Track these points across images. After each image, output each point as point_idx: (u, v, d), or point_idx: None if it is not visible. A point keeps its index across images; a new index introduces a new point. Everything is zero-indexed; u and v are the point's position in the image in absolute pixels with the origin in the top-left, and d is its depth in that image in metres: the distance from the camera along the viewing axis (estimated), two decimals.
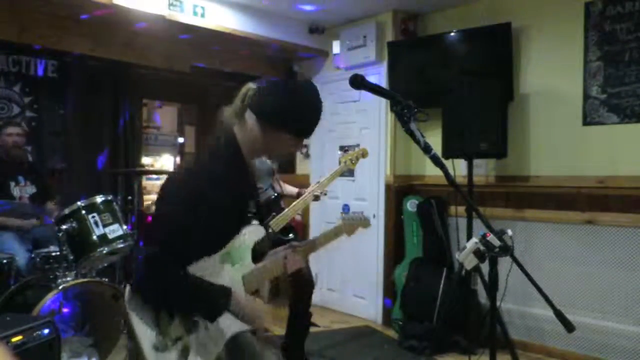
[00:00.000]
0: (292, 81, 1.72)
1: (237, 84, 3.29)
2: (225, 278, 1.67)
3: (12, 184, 3.78)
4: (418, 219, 4.34)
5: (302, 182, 5.02)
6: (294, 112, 1.65)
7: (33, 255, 3.42)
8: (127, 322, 1.57)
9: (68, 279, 3.18)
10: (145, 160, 6.80)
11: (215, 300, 1.59)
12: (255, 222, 1.79)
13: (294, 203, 3.17)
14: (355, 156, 3.29)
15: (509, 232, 1.75)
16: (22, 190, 3.82)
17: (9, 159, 3.84)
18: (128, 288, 1.63)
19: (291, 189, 3.30)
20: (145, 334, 1.55)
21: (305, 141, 5.71)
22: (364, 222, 2.26)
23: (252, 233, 1.76)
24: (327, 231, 2.09)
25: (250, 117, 1.68)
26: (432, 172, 4.47)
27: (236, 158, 1.68)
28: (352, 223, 2.19)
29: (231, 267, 1.69)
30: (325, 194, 3.23)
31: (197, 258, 1.61)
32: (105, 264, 3.57)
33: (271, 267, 1.79)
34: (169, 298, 1.56)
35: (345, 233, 2.17)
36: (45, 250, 3.42)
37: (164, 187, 1.66)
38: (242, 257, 1.72)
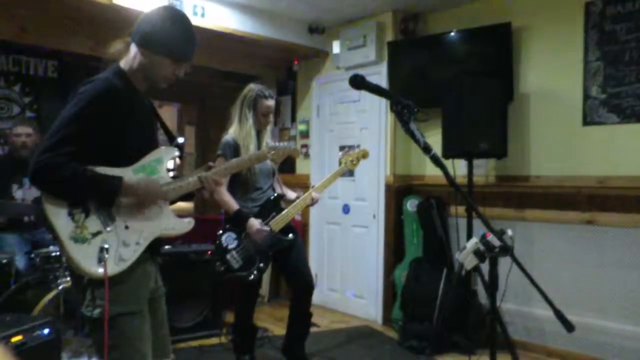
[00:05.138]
0: (163, 8, 1.85)
1: (237, 84, 3.30)
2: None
3: (15, 186, 3.75)
4: (418, 219, 4.34)
5: (302, 182, 5.03)
6: (164, 35, 1.78)
7: (33, 256, 3.41)
8: (44, 214, 1.64)
9: (68, 279, 3.18)
10: None
11: (107, 182, 1.68)
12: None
13: (294, 203, 3.18)
14: (355, 157, 3.29)
15: (509, 232, 1.75)
16: (26, 193, 3.78)
17: (17, 160, 3.80)
18: None
19: (291, 194, 3.30)
20: (62, 225, 1.64)
21: (305, 141, 5.70)
22: (292, 150, 2.52)
23: (165, 152, 1.89)
24: (250, 154, 2.30)
25: (132, 48, 1.83)
26: (432, 172, 4.47)
27: (126, 85, 1.79)
28: (277, 150, 2.41)
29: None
30: (317, 200, 3.23)
31: (101, 162, 1.70)
32: None
33: (189, 181, 1.90)
34: (60, 185, 1.63)
35: (272, 159, 2.45)
36: (45, 250, 3.42)
37: None
38: (158, 171, 1.84)
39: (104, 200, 1.70)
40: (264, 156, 2.36)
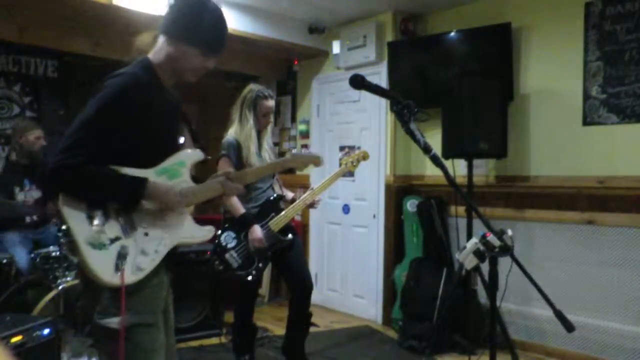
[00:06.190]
0: None
1: (237, 84, 3.30)
2: None
3: (17, 189, 3.76)
4: (418, 219, 4.34)
5: (302, 182, 5.03)
6: (195, 25, 1.69)
7: (33, 255, 3.42)
8: (60, 216, 1.56)
9: (68, 279, 3.19)
10: None
11: (131, 184, 1.60)
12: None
13: (294, 204, 3.18)
14: (356, 158, 3.28)
15: (509, 232, 1.75)
16: (27, 194, 3.79)
17: (24, 161, 3.80)
18: None
19: (289, 195, 3.30)
20: (80, 229, 1.55)
21: (305, 141, 5.69)
22: (315, 159, 2.40)
23: (190, 155, 1.81)
24: (272, 161, 2.16)
25: (160, 39, 1.73)
26: (432, 172, 4.47)
27: (153, 79, 1.71)
28: (301, 158, 2.32)
29: (168, 180, 1.72)
30: (319, 201, 3.23)
31: (122, 162, 1.62)
32: None
33: (211, 187, 1.82)
34: (81, 186, 1.55)
35: (295, 167, 2.31)
36: (45, 250, 3.42)
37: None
38: (181, 174, 1.76)
39: (127, 203, 1.61)
40: (287, 164, 2.26)
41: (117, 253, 1.57)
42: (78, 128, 1.56)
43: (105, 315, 1.60)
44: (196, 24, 1.69)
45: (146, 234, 1.65)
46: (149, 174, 1.67)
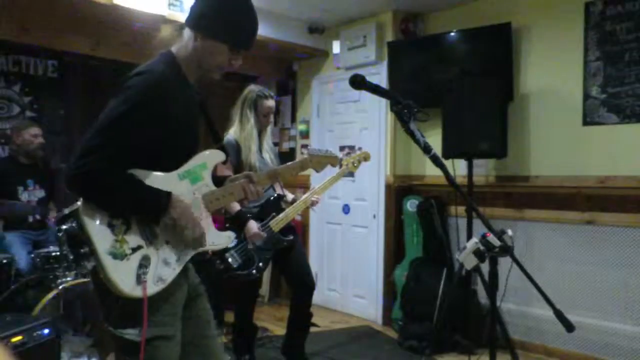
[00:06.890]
0: None
1: (237, 84, 3.30)
2: (185, 194, 1.63)
3: (21, 188, 3.76)
4: (418, 219, 4.34)
5: (302, 182, 5.03)
6: (223, 18, 1.61)
7: (33, 255, 3.42)
8: (81, 225, 1.47)
9: (68, 279, 3.19)
10: None
11: (153, 199, 1.52)
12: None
13: (294, 204, 3.18)
14: (357, 159, 3.27)
15: (509, 232, 1.75)
16: (31, 194, 3.79)
17: (25, 161, 3.80)
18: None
19: (289, 195, 3.31)
20: (100, 238, 1.47)
21: (305, 141, 5.67)
22: (332, 159, 2.30)
23: (211, 156, 1.74)
24: (292, 163, 2.11)
25: (186, 32, 1.65)
26: (432, 172, 4.47)
27: (177, 75, 1.64)
28: (319, 158, 2.22)
29: (190, 185, 1.66)
30: (317, 202, 3.23)
31: (145, 165, 1.55)
32: None
33: (232, 192, 1.76)
34: (103, 194, 1.48)
35: (313, 168, 2.20)
36: (45, 250, 3.42)
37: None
38: (203, 177, 1.69)
39: (149, 217, 1.54)
40: (307, 164, 2.18)
41: (139, 263, 1.51)
42: (100, 130, 1.47)
43: (123, 325, 1.54)
44: (223, 17, 1.60)
45: (167, 242, 1.59)
46: (171, 177, 1.61)
